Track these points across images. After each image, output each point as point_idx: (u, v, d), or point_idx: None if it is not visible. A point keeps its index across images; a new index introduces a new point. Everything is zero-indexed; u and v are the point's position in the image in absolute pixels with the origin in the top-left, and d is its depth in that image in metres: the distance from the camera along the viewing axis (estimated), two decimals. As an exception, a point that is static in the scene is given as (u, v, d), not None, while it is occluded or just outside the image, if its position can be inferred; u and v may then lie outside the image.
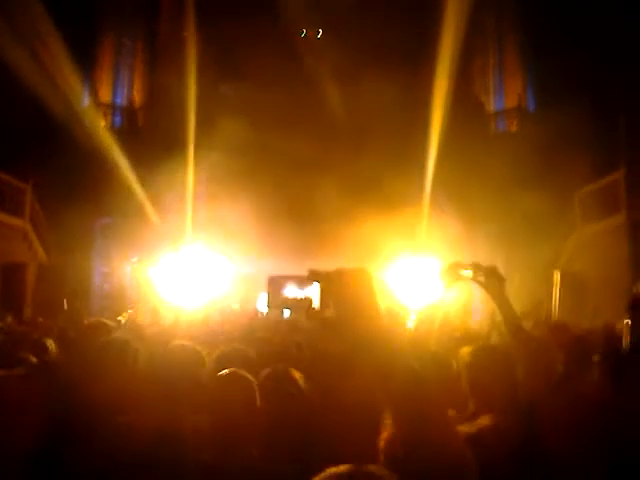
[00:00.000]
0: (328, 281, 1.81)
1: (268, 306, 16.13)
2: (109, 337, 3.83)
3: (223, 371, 2.78)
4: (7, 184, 14.17)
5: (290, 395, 3.20)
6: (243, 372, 2.77)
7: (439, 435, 1.63)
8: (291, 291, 16.74)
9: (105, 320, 4.87)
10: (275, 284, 17.38)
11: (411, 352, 2.30)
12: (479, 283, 3.14)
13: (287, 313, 14.42)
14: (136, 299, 14.98)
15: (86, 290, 15.17)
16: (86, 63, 18.13)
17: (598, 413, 3.03)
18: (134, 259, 15.87)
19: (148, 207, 16.98)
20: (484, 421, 2.85)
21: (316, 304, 1.88)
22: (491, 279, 3.17)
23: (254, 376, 2.86)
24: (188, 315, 11.97)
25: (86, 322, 5.32)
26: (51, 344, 5.88)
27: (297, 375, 3.28)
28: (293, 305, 14.06)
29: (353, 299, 1.74)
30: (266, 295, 17.29)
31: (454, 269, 3.20)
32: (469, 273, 3.17)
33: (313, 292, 15.03)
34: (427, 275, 14.28)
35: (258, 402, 2.68)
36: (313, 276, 1.86)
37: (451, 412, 2.81)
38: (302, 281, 15.68)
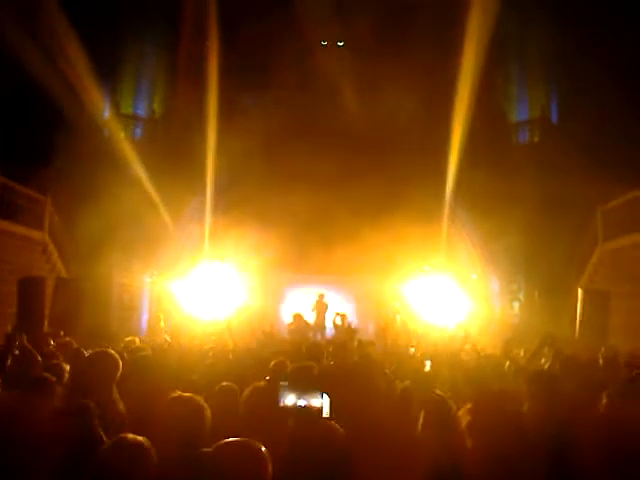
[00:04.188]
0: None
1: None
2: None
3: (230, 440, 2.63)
4: (26, 197, 14.20)
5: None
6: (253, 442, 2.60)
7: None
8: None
9: (111, 351, 4.72)
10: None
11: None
12: None
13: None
14: (156, 311, 15.03)
15: (105, 301, 15.19)
16: (107, 74, 18.20)
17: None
18: (154, 271, 15.89)
19: (167, 218, 17.02)
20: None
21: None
22: None
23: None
24: (210, 327, 12.10)
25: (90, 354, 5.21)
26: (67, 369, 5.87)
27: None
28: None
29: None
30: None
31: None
32: None
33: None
34: (446, 292, 14.25)
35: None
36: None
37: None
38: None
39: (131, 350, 7.26)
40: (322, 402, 3.28)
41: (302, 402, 3.34)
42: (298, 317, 15.48)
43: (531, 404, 3.93)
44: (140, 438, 2.61)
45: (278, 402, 3.38)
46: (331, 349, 7.34)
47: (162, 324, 12.77)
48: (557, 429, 3.26)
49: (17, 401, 3.34)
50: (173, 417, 2.96)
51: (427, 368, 6.93)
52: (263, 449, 2.53)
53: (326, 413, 3.32)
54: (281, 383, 3.74)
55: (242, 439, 2.57)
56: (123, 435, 2.65)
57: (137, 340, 8.92)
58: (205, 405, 3.20)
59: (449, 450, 3.09)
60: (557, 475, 2.91)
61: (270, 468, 2.49)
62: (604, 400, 4.04)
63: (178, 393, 3.12)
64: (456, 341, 9.64)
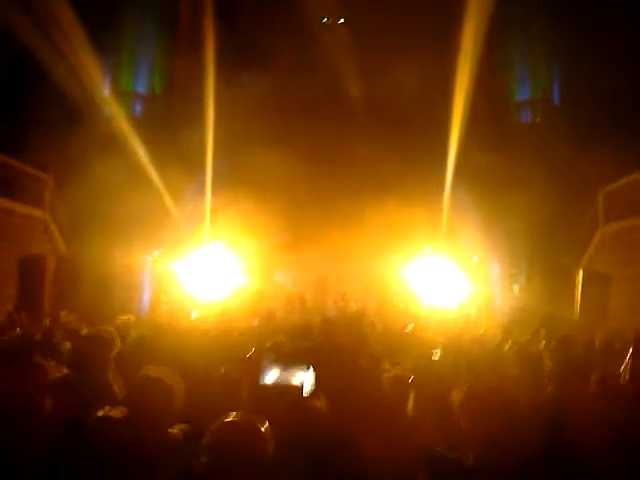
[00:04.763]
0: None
1: None
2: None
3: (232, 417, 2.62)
4: (27, 175, 14.14)
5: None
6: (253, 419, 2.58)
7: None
8: None
9: (105, 331, 4.71)
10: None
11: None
12: None
13: None
14: (157, 291, 15.04)
15: (106, 281, 15.21)
16: (106, 52, 18.03)
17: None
18: (156, 252, 15.87)
19: (167, 197, 16.96)
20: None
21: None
22: None
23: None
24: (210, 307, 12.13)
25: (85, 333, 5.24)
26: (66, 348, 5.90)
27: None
28: None
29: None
30: None
31: None
32: None
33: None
34: (447, 274, 14.26)
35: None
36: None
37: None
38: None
39: (126, 329, 7.23)
40: (304, 379, 3.27)
41: (283, 380, 3.33)
42: (296, 298, 15.46)
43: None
44: (119, 414, 2.63)
45: (260, 379, 3.38)
46: (316, 330, 7.27)
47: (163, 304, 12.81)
48: (553, 410, 3.27)
49: (12, 377, 3.35)
50: (140, 396, 2.95)
51: (435, 356, 6.68)
52: (263, 427, 2.51)
53: (308, 390, 3.32)
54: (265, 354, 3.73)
55: (242, 417, 2.55)
56: (104, 411, 2.67)
57: (132, 318, 8.88)
58: (174, 383, 3.16)
59: (443, 430, 3.10)
60: (551, 456, 2.91)
61: (270, 446, 2.47)
62: (593, 381, 4.07)
63: (146, 372, 3.09)
64: (461, 325, 9.63)
